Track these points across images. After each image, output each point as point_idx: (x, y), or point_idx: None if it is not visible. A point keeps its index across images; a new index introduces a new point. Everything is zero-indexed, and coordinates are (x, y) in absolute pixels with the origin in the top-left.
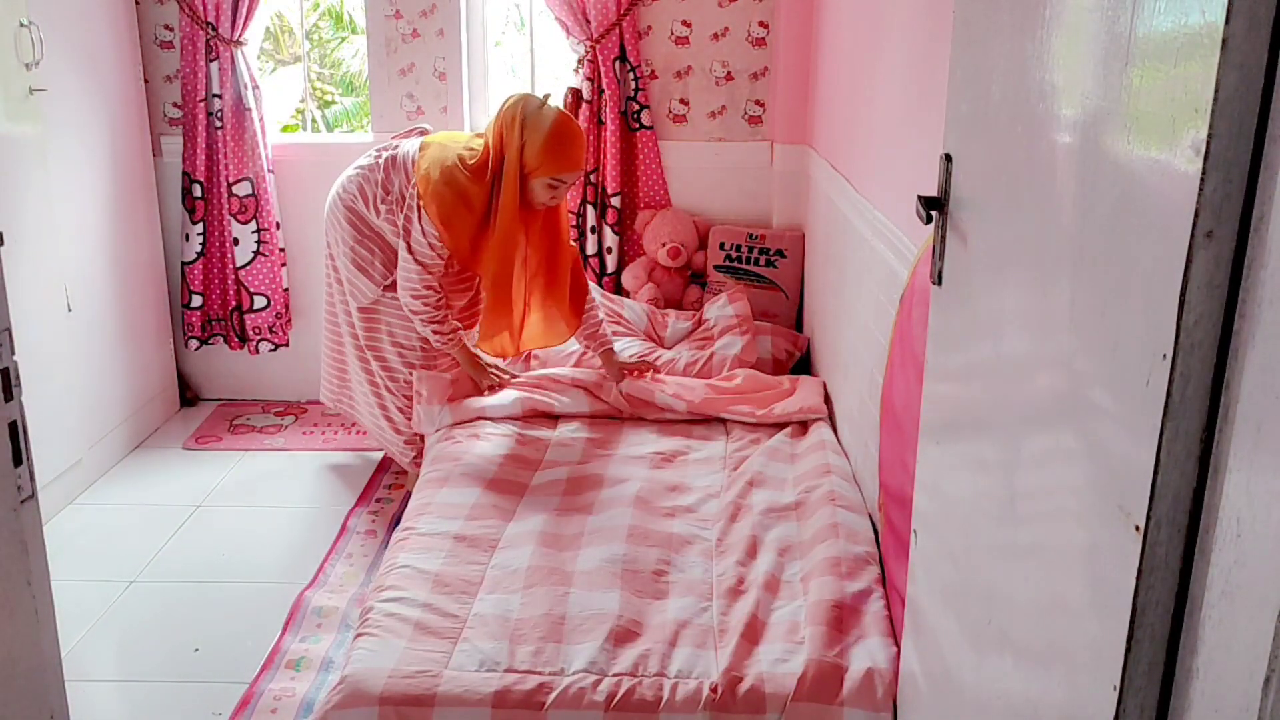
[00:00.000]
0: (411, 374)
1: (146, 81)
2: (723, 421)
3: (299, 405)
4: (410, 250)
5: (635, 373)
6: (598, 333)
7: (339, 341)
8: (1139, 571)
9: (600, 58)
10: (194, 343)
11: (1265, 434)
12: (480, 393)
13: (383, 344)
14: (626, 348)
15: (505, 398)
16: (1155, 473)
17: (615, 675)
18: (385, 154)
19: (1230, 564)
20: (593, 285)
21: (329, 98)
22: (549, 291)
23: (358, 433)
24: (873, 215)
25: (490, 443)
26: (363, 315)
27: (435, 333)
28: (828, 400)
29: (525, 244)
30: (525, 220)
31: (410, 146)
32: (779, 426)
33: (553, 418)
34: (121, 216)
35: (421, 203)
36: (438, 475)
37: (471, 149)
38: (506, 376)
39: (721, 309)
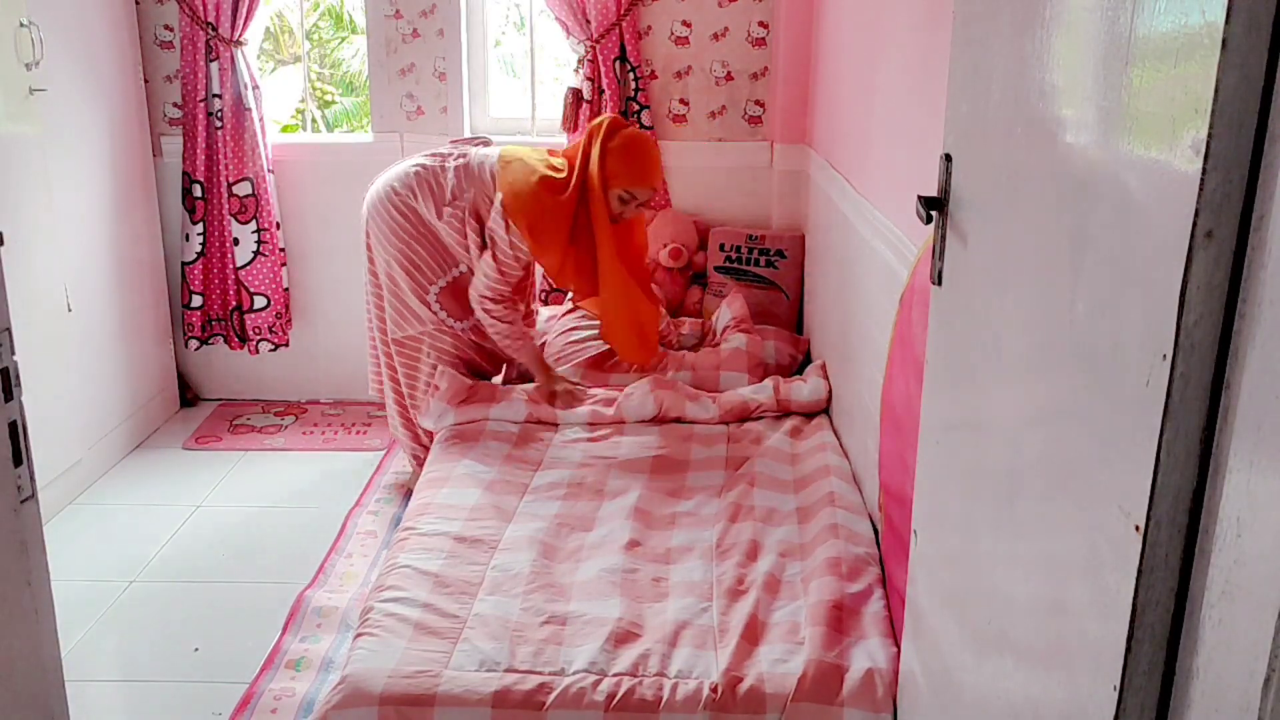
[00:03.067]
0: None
1: (146, 81)
2: (724, 423)
3: (299, 405)
4: (496, 259)
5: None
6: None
7: (374, 340)
8: (1139, 571)
9: (600, 58)
10: (194, 343)
11: (1265, 434)
12: (552, 403)
13: (419, 376)
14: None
15: (512, 409)
16: (1155, 473)
17: (615, 675)
18: (453, 160)
19: (1230, 564)
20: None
21: (329, 98)
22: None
23: (357, 432)
24: (873, 215)
25: (491, 444)
26: (400, 350)
27: (506, 335)
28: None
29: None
30: (615, 232)
31: (484, 157)
32: (780, 422)
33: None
34: (121, 216)
35: (509, 217)
36: (438, 475)
37: (553, 167)
38: (579, 389)
39: (722, 314)
